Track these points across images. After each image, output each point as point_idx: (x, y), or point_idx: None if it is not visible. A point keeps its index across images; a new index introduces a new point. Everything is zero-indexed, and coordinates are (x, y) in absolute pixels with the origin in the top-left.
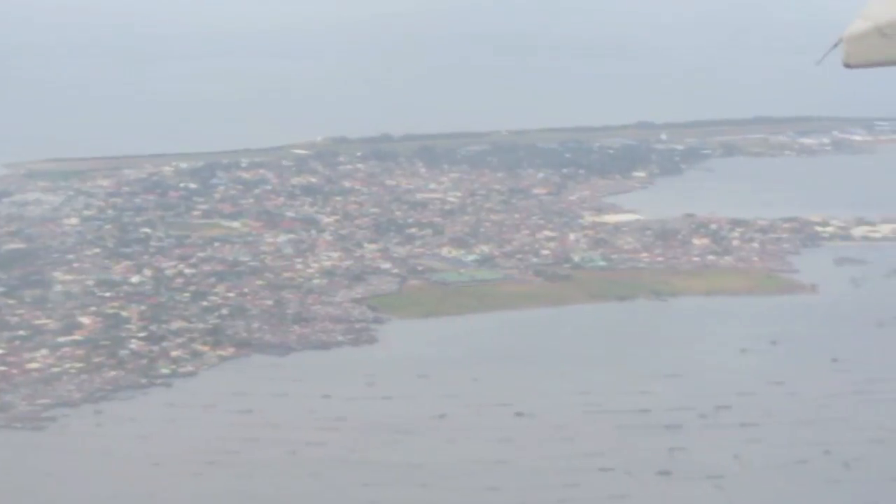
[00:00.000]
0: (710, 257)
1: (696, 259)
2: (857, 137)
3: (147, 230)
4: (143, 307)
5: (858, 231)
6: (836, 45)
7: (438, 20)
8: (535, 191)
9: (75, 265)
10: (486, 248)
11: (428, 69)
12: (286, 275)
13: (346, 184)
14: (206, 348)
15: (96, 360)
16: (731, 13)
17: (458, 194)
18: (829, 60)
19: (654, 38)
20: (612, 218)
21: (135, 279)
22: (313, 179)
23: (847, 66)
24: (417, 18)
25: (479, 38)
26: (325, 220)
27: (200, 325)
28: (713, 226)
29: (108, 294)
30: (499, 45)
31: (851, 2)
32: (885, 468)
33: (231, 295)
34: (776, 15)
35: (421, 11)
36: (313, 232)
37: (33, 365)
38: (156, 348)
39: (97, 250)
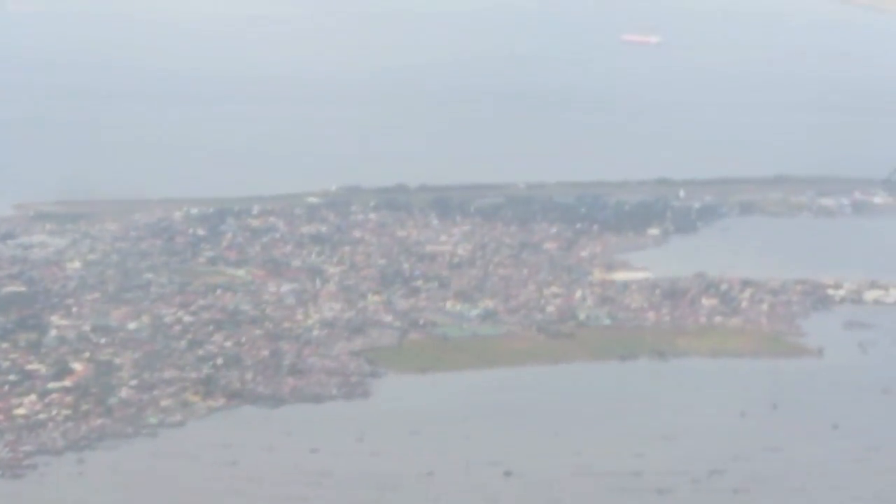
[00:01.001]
0: (718, 318)
1: (702, 319)
2: (878, 200)
3: (150, 275)
4: (137, 354)
5: (870, 295)
6: None
7: (457, 74)
8: (546, 245)
9: (73, 310)
10: (490, 303)
11: (448, 121)
12: (285, 325)
13: (356, 233)
14: (196, 398)
15: (84, 407)
16: (757, 70)
17: (468, 247)
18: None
19: (679, 95)
20: (621, 275)
21: (132, 325)
22: (323, 228)
23: None
24: (436, 71)
25: (499, 92)
26: (331, 270)
27: (193, 375)
28: (723, 286)
29: (103, 340)
30: (521, 99)
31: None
32: None
33: (228, 344)
34: (803, 73)
35: (440, 65)
36: (318, 282)
37: (20, 411)
38: (146, 397)
39: (97, 295)
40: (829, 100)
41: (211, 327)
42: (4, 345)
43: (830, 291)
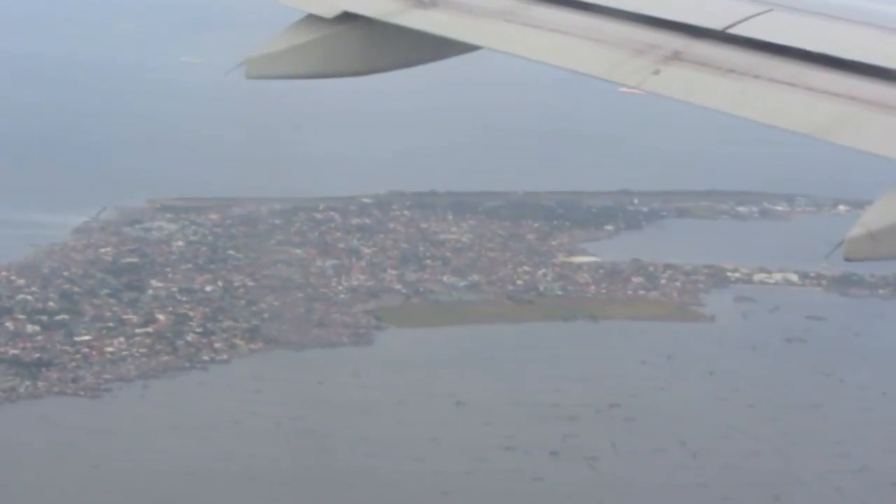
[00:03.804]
0: (641, 292)
1: (630, 293)
2: (780, 208)
3: (232, 252)
4: (206, 309)
5: (758, 277)
6: (839, 245)
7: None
8: (528, 236)
9: (169, 276)
10: (476, 277)
11: (481, 150)
12: (322, 290)
13: (391, 225)
14: (241, 342)
15: (158, 347)
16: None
17: (470, 236)
18: None
19: (653, 129)
20: (577, 259)
21: (209, 288)
22: (367, 221)
23: (847, 260)
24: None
25: (525, 131)
26: (366, 250)
27: (244, 325)
28: (651, 268)
29: (184, 299)
30: (540, 137)
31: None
32: (725, 459)
33: (276, 303)
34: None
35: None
36: (353, 259)
37: (109, 349)
38: (205, 340)
39: (189, 265)
40: (753, 133)
41: (266, 290)
42: (111, 300)
43: (728, 274)
